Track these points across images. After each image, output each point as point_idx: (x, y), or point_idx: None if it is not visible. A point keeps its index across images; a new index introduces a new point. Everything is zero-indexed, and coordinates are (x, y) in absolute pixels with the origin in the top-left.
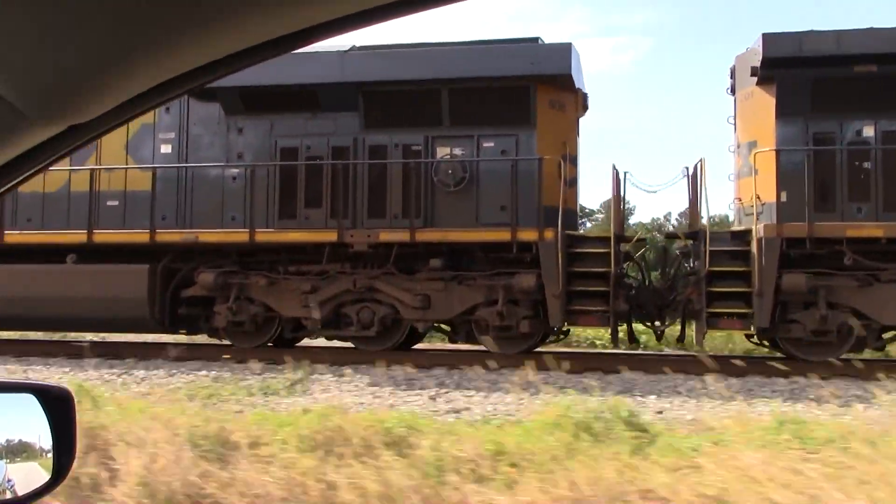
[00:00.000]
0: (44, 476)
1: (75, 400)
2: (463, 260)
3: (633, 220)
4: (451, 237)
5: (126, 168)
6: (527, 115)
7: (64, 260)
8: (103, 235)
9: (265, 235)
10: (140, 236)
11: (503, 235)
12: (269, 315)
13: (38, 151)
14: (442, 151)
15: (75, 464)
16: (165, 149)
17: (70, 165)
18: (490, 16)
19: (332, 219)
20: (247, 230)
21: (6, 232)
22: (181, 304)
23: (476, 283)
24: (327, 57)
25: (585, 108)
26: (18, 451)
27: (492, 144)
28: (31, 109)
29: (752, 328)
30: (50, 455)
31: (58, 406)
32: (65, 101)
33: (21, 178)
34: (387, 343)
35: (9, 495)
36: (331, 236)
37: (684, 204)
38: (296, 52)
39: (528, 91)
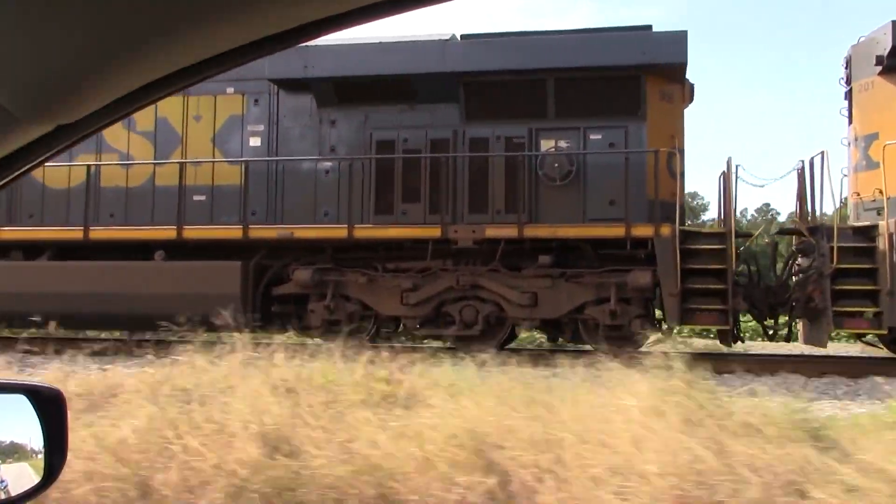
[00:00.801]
0: (35, 476)
1: (66, 400)
2: (569, 256)
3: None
4: (560, 233)
5: (213, 161)
6: (637, 106)
7: (147, 256)
8: (193, 231)
9: (364, 231)
10: (233, 232)
11: (616, 231)
12: (364, 314)
13: (26, 151)
14: (546, 144)
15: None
16: (255, 142)
17: (155, 159)
18: (497, 10)
19: (432, 214)
20: (345, 226)
21: (91, 228)
22: (272, 302)
23: (586, 281)
24: (427, 46)
25: (691, 98)
26: (10, 451)
27: (599, 137)
28: (18, 109)
29: (883, 328)
30: (40, 456)
31: (49, 406)
32: (53, 101)
33: (8, 178)
34: (489, 343)
35: (2, 496)
36: (434, 232)
37: (762, 199)
38: (394, 41)
39: (639, 81)
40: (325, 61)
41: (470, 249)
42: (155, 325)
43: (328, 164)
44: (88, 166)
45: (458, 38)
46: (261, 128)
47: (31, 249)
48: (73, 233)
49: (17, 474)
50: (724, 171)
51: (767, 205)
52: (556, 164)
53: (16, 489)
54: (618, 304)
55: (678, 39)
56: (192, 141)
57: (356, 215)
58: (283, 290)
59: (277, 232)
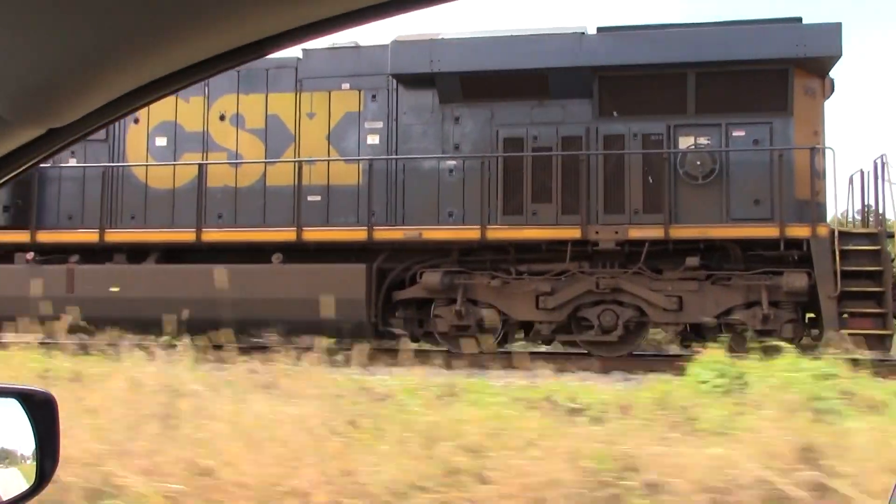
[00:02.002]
0: (26, 482)
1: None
2: (711, 258)
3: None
4: (710, 234)
5: (332, 160)
6: (783, 101)
7: (255, 259)
8: (314, 233)
9: (498, 232)
10: (356, 233)
11: (769, 231)
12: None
13: (16, 155)
14: (685, 141)
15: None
16: (372, 140)
17: (265, 158)
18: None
19: (564, 215)
20: (477, 227)
21: (203, 230)
22: (394, 307)
23: (734, 283)
24: (562, 39)
25: (831, 92)
26: (1, 456)
27: (742, 133)
28: (9, 113)
29: None
30: (30, 461)
31: (41, 411)
32: (44, 105)
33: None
34: (625, 349)
35: None
36: (573, 233)
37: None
38: (525, 34)
39: (787, 75)
40: (451, 55)
41: (608, 251)
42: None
43: (452, 162)
44: (200, 165)
45: (594, 31)
46: (379, 125)
47: (135, 252)
48: (185, 235)
49: (7, 479)
50: (860, 169)
51: None
52: (699, 162)
53: (7, 494)
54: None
55: (832, 31)
56: (305, 139)
57: (484, 216)
58: (408, 295)
59: (404, 233)
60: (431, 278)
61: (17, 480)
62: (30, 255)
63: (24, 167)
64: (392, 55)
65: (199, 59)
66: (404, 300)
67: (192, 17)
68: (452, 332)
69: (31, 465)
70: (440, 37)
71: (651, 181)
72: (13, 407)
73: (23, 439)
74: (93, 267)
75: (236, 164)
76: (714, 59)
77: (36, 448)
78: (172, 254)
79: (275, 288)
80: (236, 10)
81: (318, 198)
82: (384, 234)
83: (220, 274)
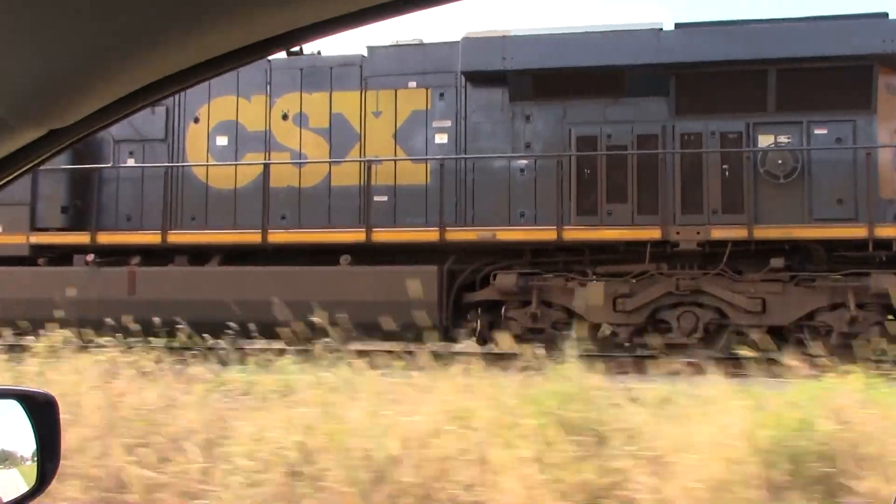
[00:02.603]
0: (27, 483)
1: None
2: (794, 258)
3: None
4: (795, 234)
5: (401, 159)
6: (867, 98)
7: (324, 260)
8: (384, 234)
9: (574, 233)
10: (428, 234)
11: (857, 232)
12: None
13: (17, 156)
14: (765, 140)
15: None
16: (440, 138)
17: (330, 157)
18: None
19: (640, 215)
20: (553, 227)
21: (269, 231)
22: (464, 309)
23: (819, 285)
24: (639, 36)
25: None
26: (1, 458)
27: (824, 131)
28: (10, 114)
29: None
30: (30, 462)
31: (42, 412)
32: (45, 106)
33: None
34: (704, 351)
35: None
36: (653, 234)
37: None
38: (600, 30)
39: (871, 72)
40: (524, 52)
41: (687, 252)
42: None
43: (523, 161)
44: (266, 165)
45: (670, 27)
46: (447, 124)
47: (197, 254)
48: (251, 236)
49: (8, 481)
50: None
51: None
52: (780, 161)
53: (8, 496)
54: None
55: None
56: (371, 138)
57: (556, 216)
58: (480, 297)
59: (478, 234)
60: (506, 280)
61: (17, 482)
62: (90, 257)
63: (24, 168)
64: (463, 52)
65: (199, 61)
66: (470, 303)
67: (193, 19)
68: (526, 335)
69: (31, 467)
70: (512, 33)
71: (730, 180)
72: (14, 409)
73: (23, 441)
74: (155, 269)
75: (302, 163)
76: (796, 56)
77: (37, 449)
78: (233, 256)
79: (343, 290)
80: (237, 12)
81: (385, 198)
82: (457, 234)
83: (287, 276)
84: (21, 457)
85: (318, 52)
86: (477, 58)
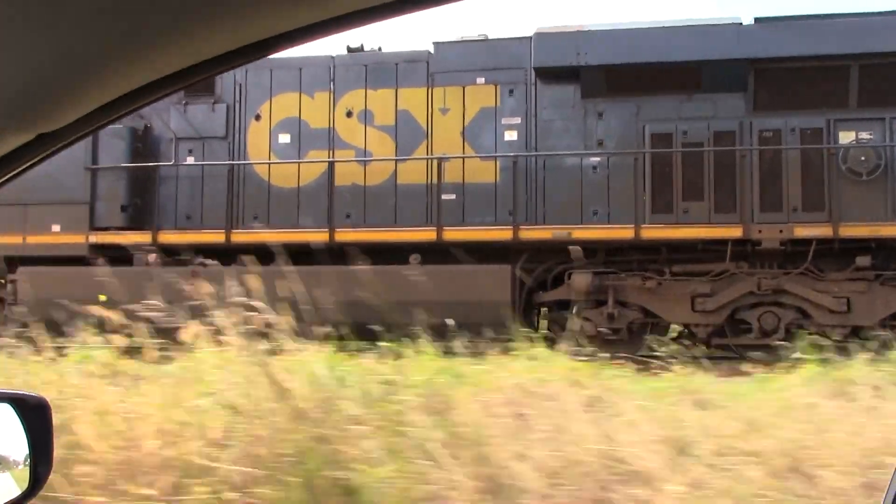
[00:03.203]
0: (20, 487)
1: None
2: (877, 257)
3: None
4: (883, 232)
5: (471, 157)
6: None
7: (391, 259)
8: (455, 232)
9: (653, 231)
10: (501, 233)
11: None
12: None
13: (7, 160)
14: (846, 136)
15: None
16: (510, 136)
17: (396, 155)
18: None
19: (717, 213)
20: (630, 226)
21: (336, 230)
22: (535, 309)
23: None
24: (718, 31)
25: None
26: None
27: None
28: None
29: None
30: (21, 466)
31: (35, 415)
32: (34, 110)
33: None
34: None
35: None
36: (734, 232)
37: None
38: (677, 25)
39: None
40: (600, 47)
41: (767, 251)
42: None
43: (595, 159)
44: (331, 163)
45: (750, 21)
46: (517, 120)
47: (259, 253)
48: (318, 235)
49: (0, 484)
50: None
51: None
52: (863, 158)
53: (1, 499)
54: None
55: None
56: (438, 135)
57: (630, 215)
58: (553, 297)
59: (553, 233)
60: (581, 279)
61: (9, 486)
62: (152, 257)
63: (14, 172)
64: (536, 48)
65: (189, 64)
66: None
67: (181, 24)
68: (600, 335)
69: (23, 471)
70: (586, 28)
71: (810, 178)
72: (6, 412)
73: (16, 444)
74: (219, 269)
75: (368, 161)
76: (880, 51)
77: (29, 453)
78: (296, 255)
79: (413, 290)
80: (227, 15)
81: (453, 196)
82: (531, 233)
83: (357, 275)
84: (13, 461)
85: (380, 48)
86: (550, 53)
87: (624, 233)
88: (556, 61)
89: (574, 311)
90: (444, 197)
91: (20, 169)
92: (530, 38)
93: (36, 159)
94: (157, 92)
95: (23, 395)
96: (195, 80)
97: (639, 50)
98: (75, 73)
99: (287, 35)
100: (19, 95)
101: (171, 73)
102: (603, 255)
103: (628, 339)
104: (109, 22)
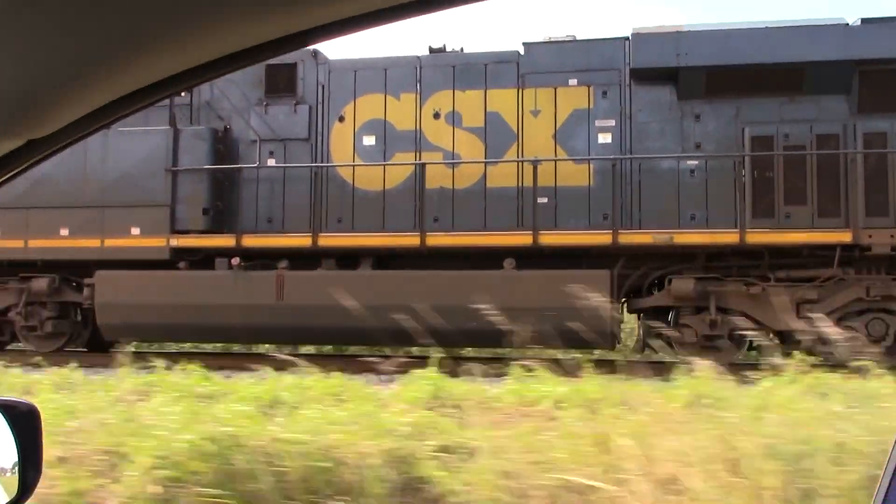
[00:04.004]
0: (9, 494)
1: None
2: None
3: None
4: None
5: (564, 159)
6: None
7: (480, 264)
8: (552, 237)
9: (759, 236)
10: (600, 237)
11: None
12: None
13: None
14: None
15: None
16: (604, 138)
17: (485, 157)
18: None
19: (820, 217)
20: (735, 230)
21: (428, 234)
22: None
23: None
24: (823, 31)
25: None
26: None
27: None
28: None
29: None
30: (9, 473)
31: (24, 422)
32: (23, 116)
33: None
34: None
35: None
36: (842, 237)
37: None
38: (780, 25)
39: None
40: (700, 48)
41: (876, 256)
42: (496, 341)
43: (693, 162)
44: (423, 165)
45: (856, 22)
46: (611, 123)
47: (345, 257)
48: (408, 239)
49: None
50: None
51: None
52: None
53: None
54: None
55: None
56: (529, 137)
57: (728, 219)
58: (652, 303)
59: (653, 237)
60: (682, 285)
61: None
62: (235, 261)
63: (3, 178)
64: (634, 48)
65: (179, 70)
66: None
67: (171, 29)
68: (700, 342)
69: (11, 478)
70: (686, 28)
71: None
72: None
73: (4, 451)
74: (306, 273)
75: (456, 163)
76: None
77: (19, 460)
78: (381, 259)
79: (506, 295)
80: (216, 21)
81: (545, 199)
82: (631, 237)
83: (446, 280)
84: (2, 468)
85: (462, 49)
86: (649, 54)
87: (728, 237)
88: (655, 62)
89: (671, 317)
90: (538, 200)
91: (8, 175)
92: (624, 38)
93: (25, 165)
94: (146, 98)
95: (12, 401)
96: (185, 86)
97: (741, 51)
98: (64, 78)
99: (279, 41)
100: (8, 101)
101: (161, 79)
102: (703, 259)
103: (729, 346)
104: (98, 27)
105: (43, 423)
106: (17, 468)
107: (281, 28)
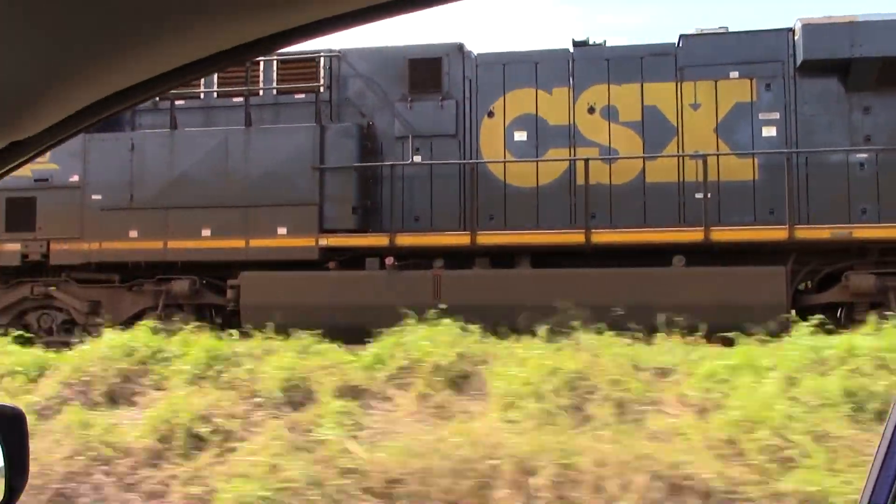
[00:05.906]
0: None
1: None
2: None
3: None
4: None
5: (722, 154)
6: None
7: (642, 261)
8: (724, 233)
9: None
10: (775, 233)
11: None
12: None
13: None
14: None
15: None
16: (768, 132)
17: (643, 152)
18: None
19: None
20: None
21: (593, 231)
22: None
23: None
24: None
25: None
26: None
27: None
28: None
29: None
30: None
31: (9, 426)
32: (4, 118)
33: None
34: None
35: None
36: None
37: None
38: None
39: None
40: (877, 38)
41: None
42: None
43: (863, 156)
44: (586, 161)
45: None
46: (775, 116)
47: (499, 256)
48: (571, 236)
49: None
50: None
51: None
52: None
53: None
54: None
55: None
56: (689, 131)
57: None
58: (826, 299)
59: (831, 232)
60: (862, 281)
61: None
62: (390, 260)
63: None
64: (805, 39)
65: (162, 71)
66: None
67: (155, 28)
68: None
69: None
70: (860, 18)
71: None
72: None
73: None
74: (463, 272)
75: (613, 158)
76: None
77: (5, 464)
78: (538, 257)
79: (676, 293)
80: (198, 21)
81: (700, 195)
82: (808, 233)
83: (617, 278)
84: None
85: (604, 42)
86: (821, 45)
87: None
88: (827, 53)
89: (844, 313)
90: (696, 196)
91: None
92: (787, 29)
93: (8, 167)
94: (130, 98)
95: None
96: (169, 86)
97: None
98: (46, 79)
99: (266, 39)
100: None
101: (144, 80)
102: (875, 254)
103: None
104: (81, 27)
105: (28, 427)
106: (3, 472)
107: (261, 28)
